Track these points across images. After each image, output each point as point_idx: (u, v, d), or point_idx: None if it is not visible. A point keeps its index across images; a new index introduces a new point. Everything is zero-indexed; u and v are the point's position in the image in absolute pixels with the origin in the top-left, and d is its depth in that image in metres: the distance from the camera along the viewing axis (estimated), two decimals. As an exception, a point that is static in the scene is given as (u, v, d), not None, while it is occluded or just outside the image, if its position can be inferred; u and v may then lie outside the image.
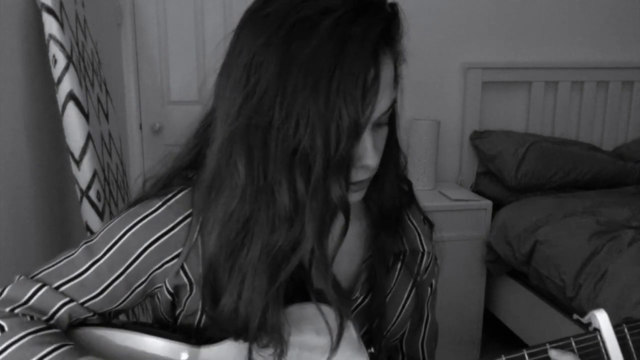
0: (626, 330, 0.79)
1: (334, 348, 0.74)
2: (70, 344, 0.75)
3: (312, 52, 0.63)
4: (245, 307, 0.72)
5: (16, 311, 0.76)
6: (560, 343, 0.78)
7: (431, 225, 0.94)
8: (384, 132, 0.75)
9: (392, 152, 0.81)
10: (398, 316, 0.88)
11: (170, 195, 0.78)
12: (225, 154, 0.70)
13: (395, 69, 0.74)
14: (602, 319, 0.79)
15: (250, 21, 0.69)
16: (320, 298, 0.76)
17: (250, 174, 0.68)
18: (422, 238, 0.91)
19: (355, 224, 0.86)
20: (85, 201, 1.31)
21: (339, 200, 0.68)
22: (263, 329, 0.73)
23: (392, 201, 0.85)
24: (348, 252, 0.85)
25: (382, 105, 0.69)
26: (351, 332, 0.76)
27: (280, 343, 0.74)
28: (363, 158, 0.70)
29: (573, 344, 0.78)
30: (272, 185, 0.68)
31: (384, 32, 0.67)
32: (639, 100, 2.92)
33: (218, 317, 0.75)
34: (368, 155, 0.70)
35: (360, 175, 0.72)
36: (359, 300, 0.85)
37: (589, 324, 0.81)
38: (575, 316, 0.85)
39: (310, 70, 0.63)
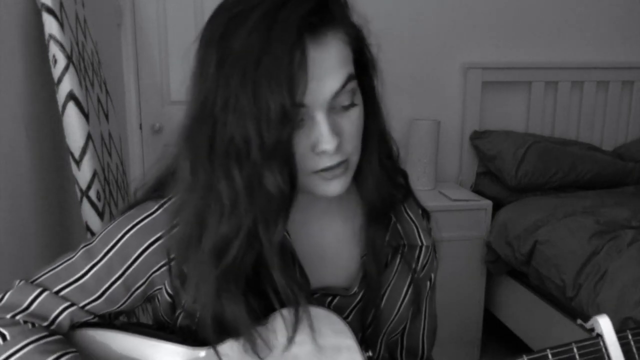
0: (630, 336, 0.77)
1: (290, 338, 0.74)
2: (72, 351, 0.76)
3: (243, 43, 0.66)
4: (202, 301, 0.74)
5: (17, 318, 0.76)
6: (562, 349, 0.77)
7: (428, 215, 0.93)
8: (352, 114, 0.73)
9: (372, 141, 0.79)
10: (398, 311, 0.88)
11: (166, 199, 0.79)
12: (177, 148, 0.74)
13: (356, 46, 0.73)
14: (604, 325, 0.77)
15: (204, 26, 0.73)
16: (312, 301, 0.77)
17: (194, 168, 0.71)
18: (420, 232, 0.90)
19: (351, 219, 0.86)
20: (85, 201, 1.31)
21: (276, 189, 0.67)
22: (222, 325, 0.74)
23: (377, 192, 0.82)
24: (347, 249, 0.86)
25: (326, 86, 0.68)
26: (346, 338, 0.76)
27: (250, 342, 0.73)
28: (319, 143, 0.69)
29: (574, 349, 0.77)
30: (214, 177, 0.69)
31: (313, 11, 0.67)
32: (639, 100, 2.92)
33: (190, 314, 0.77)
34: (323, 140, 0.69)
35: (326, 161, 0.71)
36: (359, 297, 0.85)
37: (592, 329, 0.79)
38: (579, 321, 0.84)
39: (241, 60, 0.65)
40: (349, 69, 0.71)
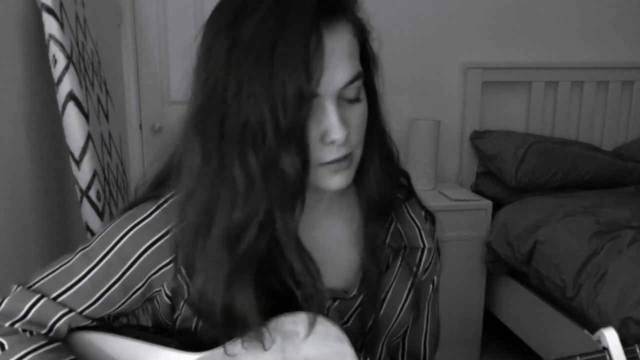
0: (638, 350, 0.76)
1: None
2: (71, 358, 0.75)
3: (256, 28, 0.66)
4: (211, 291, 0.73)
5: (15, 326, 0.76)
6: None
7: (433, 218, 0.92)
8: (358, 109, 0.73)
9: (374, 137, 0.79)
10: (399, 314, 0.87)
11: (164, 199, 0.78)
12: (184, 138, 0.74)
13: (361, 41, 0.74)
14: (610, 338, 0.75)
15: (210, 17, 0.73)
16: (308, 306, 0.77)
17: (205, 156, 0.70)
18: (423, 234, 0.89)
19: (351, 221, 0.85)
20: (85, 201, 1.31)
21: (293, 170, 0.68)
22: (230, 316, 0.73)
23: (378, 188, 0.82)
24: (347, 251, 0.85)
25: (337, 76, 0.69)
26: (343, 345, 0.75)
27: (257, 333, 0.73)
28: (329, 132, 0.69)
29: None
30: (226, 163, 0.69)
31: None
32: (639, 100, 2.92)
33: (195, 307, 0.77)
34: (333, 130, 0.69)
35: (334, 153, 0.71)
36: (359, 301, 0.84)
37: (598, 341, 0.77)
38: (586, 332, 0.83)
39: (255, 45, 0.66)
40: (357, 64, 0.72)
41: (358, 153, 0.75)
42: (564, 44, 2.84)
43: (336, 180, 0.73)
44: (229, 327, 0.74)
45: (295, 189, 0.69)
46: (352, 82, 0.70)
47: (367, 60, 0.77)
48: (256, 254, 0.72)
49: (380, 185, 0.82)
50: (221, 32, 0.69)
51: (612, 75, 2.85)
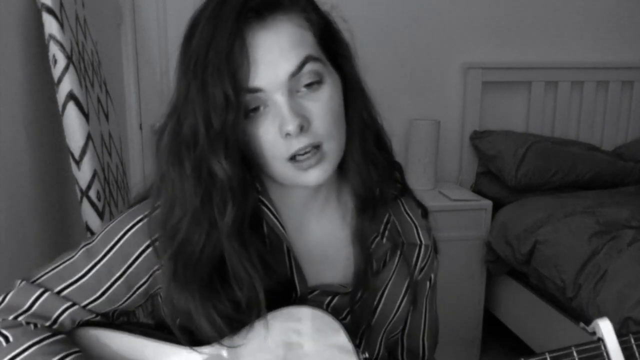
0: (632, 340, 0.76)
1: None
2: (75, 351, 0.76)
3: (197, 41, 0.70)
4: (164, 292, 0.76)
5: (19, 319, 0.76)
6: (561, 352, 0.76)
7: (426, 211, 0.92)
8: (319, 96, 0.73)
9: (353, 127, 0.78)
10: (397, 310, 0.88)
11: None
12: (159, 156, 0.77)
13: (317, 30, 0.74)
14: (605, 328, 0.76)
15: None
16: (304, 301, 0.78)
17: (160, 160, 0.75)
18: (419, 230, 0.90)
19: (348, 216, 0.85)
20: (85, 201, 1.31)
21: (222, 172, 0.70)
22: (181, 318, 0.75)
23: (360, 179, 0.81)
24: (346, 246, 0.85)
25: (280, 69, 0.70)
26: (342, 339, 0.75)
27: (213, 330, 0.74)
28: (282, 125, 0.70)
29: (574, 353, 0.76)
30: (168, 167, 0.73)
31: None
32: (639, 100, 2.92)
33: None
34: (285, 121, 0.70)
35: (294, 144, 0.71)
36: (356, 296, 0.84)
37: (594, 332, 0.78)
38: (581, 325, 0.83)
39: (194, 56, 0.70)
40: (306, 50, 0.72)
41: (332, 145, 0.74)
42: (564, 44, 2.84)
43: (310, 175, 0.73)
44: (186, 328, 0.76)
45: (226, 189, 0.71)
46: (299, 69, 0.71)
47: (339, 51, 0.77)
48: (200, 255, 0.73)
49: (363, 178, 0.81)
50: (180, 48, 0.74)
51: (612, 75, 2.84)
